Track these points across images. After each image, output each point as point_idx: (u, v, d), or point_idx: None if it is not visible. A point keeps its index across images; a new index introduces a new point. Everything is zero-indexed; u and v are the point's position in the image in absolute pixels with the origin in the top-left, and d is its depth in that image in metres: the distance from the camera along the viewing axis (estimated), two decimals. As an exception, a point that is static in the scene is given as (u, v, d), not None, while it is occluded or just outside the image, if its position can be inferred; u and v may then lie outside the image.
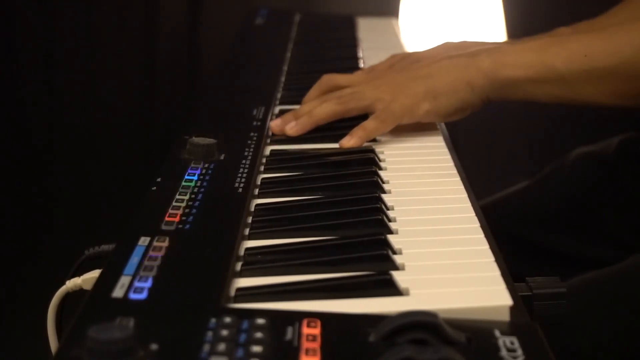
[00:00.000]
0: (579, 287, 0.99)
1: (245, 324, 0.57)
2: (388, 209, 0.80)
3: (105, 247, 0.82)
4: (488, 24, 2.11)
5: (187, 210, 0.76)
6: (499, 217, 1.18)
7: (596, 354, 0.96)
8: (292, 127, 1.00)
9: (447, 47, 1.11)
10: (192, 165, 0.86)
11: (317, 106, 1.01)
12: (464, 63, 0.98)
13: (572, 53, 0.94)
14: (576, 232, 1.19)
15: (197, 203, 0.78)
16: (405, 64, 1.08)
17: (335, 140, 0.97)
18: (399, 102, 0.97)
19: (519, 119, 2.24)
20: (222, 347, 0.55)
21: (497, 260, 0.69)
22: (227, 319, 0.58)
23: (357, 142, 0.96)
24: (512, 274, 0.68)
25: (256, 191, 0.85)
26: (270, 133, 1.02)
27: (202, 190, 0.81)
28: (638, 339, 0.96)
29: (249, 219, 0.79)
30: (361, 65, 1.34)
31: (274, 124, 1.01)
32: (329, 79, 1.07)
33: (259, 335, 0.56)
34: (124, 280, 0.63)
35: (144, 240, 0.69)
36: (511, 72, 0.95)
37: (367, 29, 1.58)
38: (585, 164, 1.23)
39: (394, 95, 0.98)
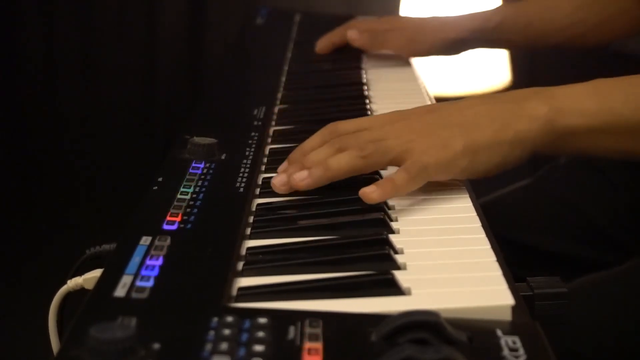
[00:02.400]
0: (578, 289, 0.99)
1: (247, 323, 0.57)
2: (389, 209, 0.80)
3: (107, 247, 0.82)
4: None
5: (188, 210, 0.76)
6: (493, 221, 1.18)
7: (596, 354, 0.96)
8: (303, 180, 0.82)
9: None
10: (193, 164, 0.86)
11: (332, 156, 0.83)
12: (510, 110, 0.83)
13: (639, 100, 0.83)
14: (571, 235, 1.20)
15: (198, 203, 0.78)
16: (429, 108, 0.89)
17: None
18: (433, 156, 0.81)
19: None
20: (224, 346, 0.55)
21: (499, 260, 0.69)
22: (229, 318, 0.58)
23: (382, 197, 0.80)
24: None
25: (257, 191, 0.85)
26: (271, 133, 1.02)
27: (204, 189, 0.81)
28: (637, 340, 0.96)
29: (251, 219, 0.79)
30: (361, 65, 1.34)
31: (278, 182, 0.84)
32: (336, 128, 0.87)
33: (261, 334, 0.56)
34: (126, 279, 0.63)
35: (145, 240, 0.69)
36: (572, 120, 0.82)
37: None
38: (577, 167, 1.24)
39: (424, 146, 0.81)
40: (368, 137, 0.84)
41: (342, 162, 0.83)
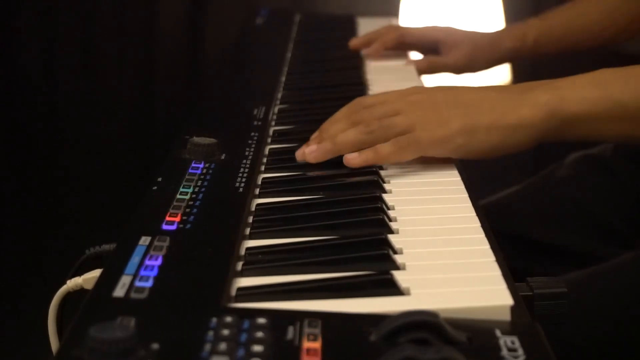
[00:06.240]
0: (577, 283, 0.99)
1: (246, 324, 0.57)
2: (389, 209, 0.80)
3: (106, 247, 0.82)
4: (488, 25, 2.11)
5: (187, 210, 0.76)
6: (499, 216, 1.19)
7: (595, 346, 0.96)
8: (311, 153, 0.90)
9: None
10: (193, 165, 0.86)
11: (342, 132, 0.90)
12: (515, 98, 0.87)
13: (638, 88, 0.86)
14: (575, 230, 1.20)
15: (197, 203, 0.78)
16: (445, 87, 0.93)
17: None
18: (430, 132, 0.87)
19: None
20: (223, 346, 0.55)
21: (498, 260, 0.69)
22: (228, 319, 0.58)
23: (362, 163, 0.88)
24: (510, 270, 0.68)
25: (257, 191, 0.85)
26: (271, 133, 1.02)
27: (203, 190, 0.81)
28: (636, 334, 0.96)
29: (250, 219, 0.79)
30: (362, 65, 1.34)
31: (298, 153, 0.91)
32: (359, 102, 0.94)
33: (260, 334, 0.56)
34: (125, 279, 0.63)
35: (144, 240, 0.69)
36: (575, 107, 0.86)
37: (367, 29, 1.58)
38: (583, 165, 1.24)
39: (425, 122, 0.87)
40: (378, 113, 0.90)
41: (348, 137, 0.90)
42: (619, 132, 0.88)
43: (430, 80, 1.43)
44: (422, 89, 0.93)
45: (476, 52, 1.33)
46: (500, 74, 2.21)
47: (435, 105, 0.89)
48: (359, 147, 0.89)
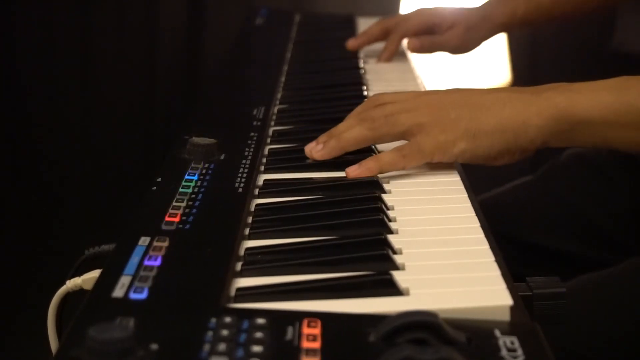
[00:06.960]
0: (576, 288, 0.99)
1: (245, 324, 0.57)
2: (388, 209, 0.80)
3: (106, 247, 0.82)
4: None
5: (187, 210, 0.76)
6: (493, 219, 1.18)
7: (594, 353, 0.96)
8: (318, 151, 0.90)
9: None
10: (192, 165, 0.86)
11: (348, 129, 0.90)
12: (525, 99, 0.85)
13: None
14: (570, 233, 1.20)
15: (197, 203, 0.78)
16: (459, 89, 0.91)
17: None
18: (433, 136, 0.85)
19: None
20: (222, 347, 0.55)
21: (498, 260, 0.69)
22: (227, 319, 0.58)
23: (365, 174, 0.87)
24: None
25: (256, 191, 0.85)
26: (270, 133, 1.02)
27: (202, 190, 0.81)
28: (635, 339, 0.96)
29: (249, 219, 0.79)
30: (361, 65, 1.34)
31: (307, 148, 0.91)
32: (375, 98, 0.92)
33: (259, 335, 0.56)
34: (124, 280, 0.63)
35: (144, 240, 0.69)
36: (587, 111, 0.83)
37: (367, 29, 1.58)
38: (577, 166, 1.24)
39: (431, 125, 0.86)
40: (386, 111, 0.88)
41: (353, 133, 0.89)
42: (631, 139, 0.84)
43: (431, 79, 1.43)
44: (437, 91, 0.91)
45: (470, 32, 1.36)
46: (500, 77, 2.21)
47: (445, 107, 0.87)
48: (363, 144, 0.90)
